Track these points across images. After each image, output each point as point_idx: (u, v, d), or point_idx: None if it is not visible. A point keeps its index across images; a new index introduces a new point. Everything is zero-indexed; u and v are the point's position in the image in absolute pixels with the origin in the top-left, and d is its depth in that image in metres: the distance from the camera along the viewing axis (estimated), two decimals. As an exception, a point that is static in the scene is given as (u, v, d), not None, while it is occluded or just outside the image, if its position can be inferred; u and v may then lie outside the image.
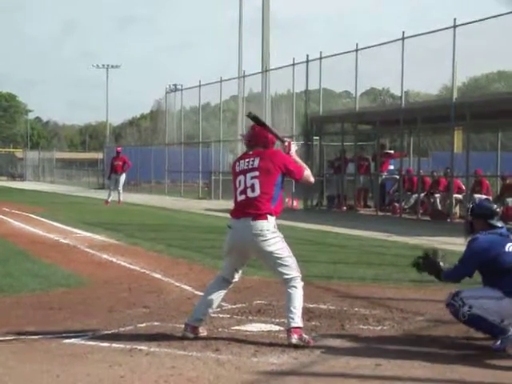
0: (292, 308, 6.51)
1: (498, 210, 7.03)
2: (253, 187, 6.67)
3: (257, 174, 6.68)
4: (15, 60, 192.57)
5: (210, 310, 6.90)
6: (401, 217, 22.63)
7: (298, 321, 6.49)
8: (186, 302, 8.44)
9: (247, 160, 6.83)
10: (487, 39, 19.56)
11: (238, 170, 6.86)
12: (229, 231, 6.80)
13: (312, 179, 7.08)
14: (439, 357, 6.18)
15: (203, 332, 6.79)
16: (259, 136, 6.92)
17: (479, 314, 6.43)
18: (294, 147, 6.99)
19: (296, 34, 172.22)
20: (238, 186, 6.81)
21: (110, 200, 28.26)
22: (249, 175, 6.72)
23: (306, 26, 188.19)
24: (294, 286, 6.58)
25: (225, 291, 6.92)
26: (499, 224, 6.83)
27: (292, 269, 6.61)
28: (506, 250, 6.58)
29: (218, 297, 6.87)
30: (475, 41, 19.95)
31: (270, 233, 6.56)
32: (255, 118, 7.03)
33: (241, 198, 6.74)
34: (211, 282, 7.00)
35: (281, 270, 6.59)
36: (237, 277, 6.94)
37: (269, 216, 6.59)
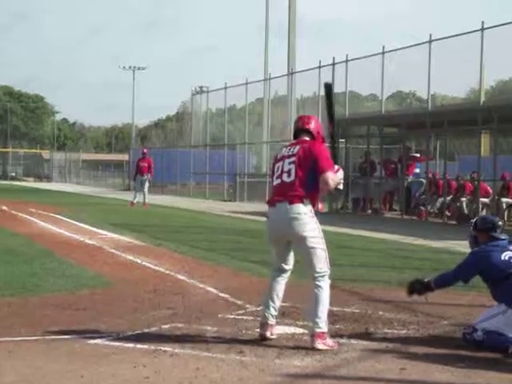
0: (318, 311, 6.45)
1: (500, 223, 7.17)
2: (289, 172, 6.61)
3: (294, 159, 6.62)
4: (43, 62, 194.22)
5: (278, 303, 6.77)
6: (426, 220, 22.52)
7: (323, 325, 6.45)
8: (210, 304, 8.46)
9: (289, 148, 6.82)
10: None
11: (279, 157, 6.84)
12: (266, 221, 6.79)
13: (332, 185, 6.60)
14: (465, 361, 6.13)
15: (273, 334, 6.70)
16: (307, 122, 6.94)
17: (493, 329, 6.50)
18: (341, 174, 6.86)
19: (323, 37, 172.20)
20: (275, 171, 6.78)
21: (135, 201, 28.34)
22: (287, 161, 6.67)
23: (332, 29, 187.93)
24: (321, 287, 6.50)
25: (285, 280, 6.82)
26: (502, 236, 6.97)
27: (323, 263, 6.53)
28: (502, 258, 6.72)
29: (280, 288, 6.77)
30: (503, 44, 19.78)
31: (308, 217, 6.49)
32: (329, 88, 7.22)
33: (276, 182, 6.72)
34: (270, 277, 6.90)
35: (313, 261, 6.50)
36: (290, 264, 6.81)
37: (304, 200, 6.50)
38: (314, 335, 6.43)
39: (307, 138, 6.85)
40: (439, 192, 23.47)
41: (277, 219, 6.59)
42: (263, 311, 6.77)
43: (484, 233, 6.98)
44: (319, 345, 6.36)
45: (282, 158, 6.75)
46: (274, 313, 6.72)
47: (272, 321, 6.70)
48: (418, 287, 7.03)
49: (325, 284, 6.53)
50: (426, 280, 6.99)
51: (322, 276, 6.53)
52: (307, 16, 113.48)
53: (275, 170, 6.79)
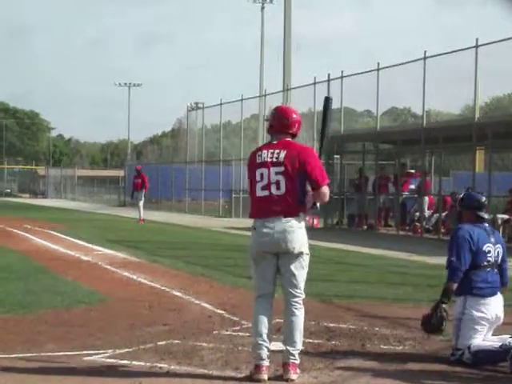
0: (296, 340, 6.04)
1: (485, 202, 7.12)
2: (278, 184, 6.02)
3: (282, 169, 6.01)
4: (39, 78, 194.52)
5: (269, 339, 6.07)
6: (422, 236, 22.52)
7: (298, 357, 6.05)
8: (206, 320, 8.44)
9: (271, 151, 6.12)
10: (509, 59, 19.49)
11: (258, 162, 6.12)
12: (255, 233, 6.15)
13: (327, 198, 6.21)
14: (461, 377, 6.13)
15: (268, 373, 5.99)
16: (287, 118, 6.25)
17: (478, 348, 6.49)
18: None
19: (319, 53, 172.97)
20: (258, 179, 6.10)
21: (143, 217, 28.08)
22: (273, 170, 6.03)
23: (328, 46, 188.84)
24: (299, 312, 6.08)
25: (271, 307, 6.16)
26: (486, 216, 6.96)
27: (303, 286, 6.12)
28: (484, 249, 6.72)
29: (269, 319, 6.11)
30: (497, 60, 19.88)
31: (303, 232, 6.06)
32: (328, 103, 6.48)
33: (263, 193, 6.08)
34: (255, 309, 6.18)
35: (297, 281, 6.06)
36: (274, 286, 6.16)
37: (299, 213, 6.04)
38: (287, 365, 6.00)
39: (287, 137, 6.21)
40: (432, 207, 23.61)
41: (271, 232, 5.99)
42: (255, 350, 6.04)
43: (469, 210, 6.94)
44: (293, 375, 5.94)
45: (266, 165, 6.07)
46: (268, 352, 6.01)
47: (267, 361, 6.00)
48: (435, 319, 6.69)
49: (302, 309, 6.14)
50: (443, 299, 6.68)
51: (300, 301, 6.12)
52: (304, 32, 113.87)
53: (257, 176, 6.11)
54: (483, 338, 6.63)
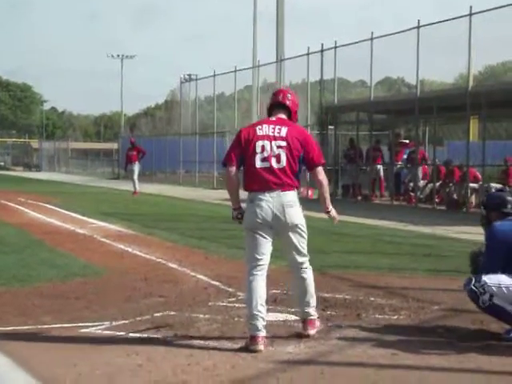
0: (310, 299, 6.44)
1: (509, 197, 6.81)
2: (278, 157, 6.16)
3: (284, 144, 6.18)
4: (31, 51, 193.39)
5: (264, 309, 6.13)
6: (416, 206, 22.57)
7: (314, 313, 6.50)
8: (201, 292, 8.47)
9: (272, 126, 6.28)
10: (503, 27, 19.43)
11: (259, 134, 6.23)
12: (253, 206, 6.21)
13: (324, 178, 6.45)
14: (456, 346, 6.16)
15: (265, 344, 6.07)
16: (287, 98, 6.49)
17: (499, 303, 6.34)
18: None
19: (312, 23, 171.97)
20: (258, 150, 6.20)
21: (137, 190, 27.95)
22: (274, 143, 6.20)
23: (322, 15, 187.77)
24: (308, 273, 6.40)
25: (265, 279, 6.22)
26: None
27: (306, 251, 6.38)
28: None
29: (264, 290, 6.18)
30: (491, 29, 19.80)
31: (299, 205, 6.25)
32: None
33: (263, 165, 6.19)
34: (250, 280, 6.16)
35: (301, 248, 6.31)
36: (268, 258, 6.26)
37: (295, 188, 6.26)
38: (306, 322, 6.48)
39: (284, 116, 6.42)
40: (426, 177, 23.65)
41: (270, 206, 6.11)
42: (251, 321, 6.07)
43: (494, 210, 6.71)
44: (312, 331, 6.43)
45: (267, 138, 6.20)
46: (264, 323, 6.09)
47: (264, 332, 6.07)
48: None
49: (310, 270, 6.44)
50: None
51: (306, 263, 6.41)
52: (298, 2, 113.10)
53: (257, 148, 6.20)
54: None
